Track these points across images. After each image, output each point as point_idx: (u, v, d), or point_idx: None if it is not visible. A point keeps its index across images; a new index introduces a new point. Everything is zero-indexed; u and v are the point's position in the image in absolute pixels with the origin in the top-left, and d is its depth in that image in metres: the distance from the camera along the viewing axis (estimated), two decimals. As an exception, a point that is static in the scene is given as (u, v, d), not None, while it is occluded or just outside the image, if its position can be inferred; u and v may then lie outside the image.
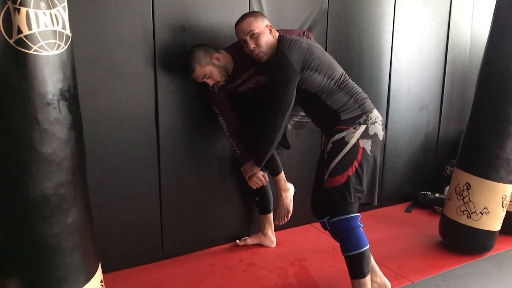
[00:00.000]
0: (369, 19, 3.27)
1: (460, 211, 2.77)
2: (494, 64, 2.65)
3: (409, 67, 3.59)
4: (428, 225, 3.33)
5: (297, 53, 2.20)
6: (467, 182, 2.74)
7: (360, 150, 2.13)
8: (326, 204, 2.16)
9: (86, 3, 2.21)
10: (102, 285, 1.72)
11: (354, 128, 2.15)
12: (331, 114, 2.20)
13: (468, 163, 2.77)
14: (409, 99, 3.65)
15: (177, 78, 2.56)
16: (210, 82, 2.49)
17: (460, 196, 2.78)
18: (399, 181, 3.78)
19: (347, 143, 2.13)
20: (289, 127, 2.73)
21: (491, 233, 2.77)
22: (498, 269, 2.71)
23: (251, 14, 2.33)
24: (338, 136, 2.15)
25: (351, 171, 2.11)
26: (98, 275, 1.67)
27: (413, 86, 3.65)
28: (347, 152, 2.12)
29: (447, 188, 3.16)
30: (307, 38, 2.57)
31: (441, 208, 3.11)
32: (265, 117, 2.33)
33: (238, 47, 2.50)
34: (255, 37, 2.26)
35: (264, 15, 2.34)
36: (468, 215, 2.74)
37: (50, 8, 1.36)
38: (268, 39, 2.28)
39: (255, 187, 2.72)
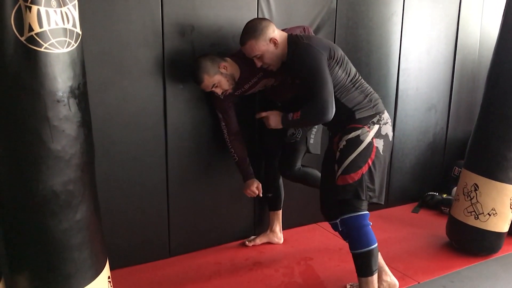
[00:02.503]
0: (378, 19, 3.26)
1: (468, 212, 2.76)
2: (503, 65, 2.63)
3: (418, 67, 3.57)
4: (435, 225, 3.31)
5: (320, 42, 2.22)
6: (475, 183, 2.73)
7: (374, 149, 2.13)
8: (337, 202, 2.15)
9: (96, 1, 2.22)
10: (109, 282, 1.73)
11: (369, 127, 2.15)
12: (346, 112, 2.18)
13: (476, 164, 2.75)
14: (417, 100, 3.63)
15: (186, 76, 2.56)
16: (219, 91, 2.48)
17: (467, 197, 2.76)
18: (406, 181, 3.77)
19: (362, 141, 2.13)
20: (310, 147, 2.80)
21: (499, 235, 2.76)
22: (505, 271, 2.69)
23: (251, 34, 2.23)
24: (353, 134, 2.14)
25: (365, 169, 2.11)
26: (106, 271, 1.69)
27: (422, 86, 3.63)
28: (362, 150, 2.12)
29: (455, 189, 3.15)
30: (308, 32, 2.59)
31: (448, 209, 3.10)
32: (311, 105, 2.14)
33: (244, 55, 2.50)
34: (259, 57, 2.28)
35: (266, 24, 2.26)
36: (476, 216, 2.72)
37: (61, 6, 1.37)
38: (273, 52, 2.26)
39: (249, 196, 2.73)
